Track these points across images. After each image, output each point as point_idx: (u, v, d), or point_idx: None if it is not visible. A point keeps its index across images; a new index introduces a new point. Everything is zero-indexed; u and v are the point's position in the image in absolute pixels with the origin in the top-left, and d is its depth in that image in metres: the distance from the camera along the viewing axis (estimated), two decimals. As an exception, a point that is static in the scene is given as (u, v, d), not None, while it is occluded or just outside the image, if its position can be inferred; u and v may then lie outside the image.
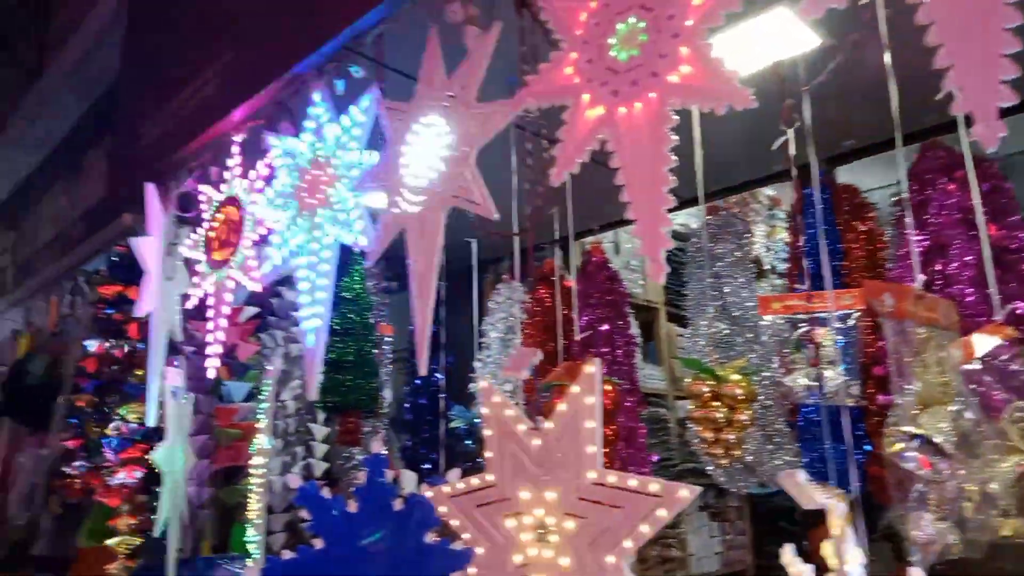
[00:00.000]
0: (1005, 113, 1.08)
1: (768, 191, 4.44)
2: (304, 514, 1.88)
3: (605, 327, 3.17)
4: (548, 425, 1.60)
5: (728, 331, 2.85)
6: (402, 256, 1.96)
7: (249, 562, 2.58)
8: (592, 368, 1.56)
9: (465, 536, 1.66)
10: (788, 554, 1.23)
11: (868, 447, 2.19)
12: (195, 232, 2.79)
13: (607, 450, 1.73)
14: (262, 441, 2.68)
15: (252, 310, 3.40)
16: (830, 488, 1.16)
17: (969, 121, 1.10)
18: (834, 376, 1.76)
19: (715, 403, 1.68)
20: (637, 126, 1.42)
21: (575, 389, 1.56)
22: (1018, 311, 1.94)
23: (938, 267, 2.15)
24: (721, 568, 4.27)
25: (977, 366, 1.25)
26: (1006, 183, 2.23)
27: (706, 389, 1.70)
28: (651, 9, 1.45)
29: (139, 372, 3.34)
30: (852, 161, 3.02)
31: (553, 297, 3.10)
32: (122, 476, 3.19)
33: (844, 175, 3.03)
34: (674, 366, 4.51)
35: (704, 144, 1.74)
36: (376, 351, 3.31)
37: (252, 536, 2.59)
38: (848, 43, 1.67)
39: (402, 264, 1.96)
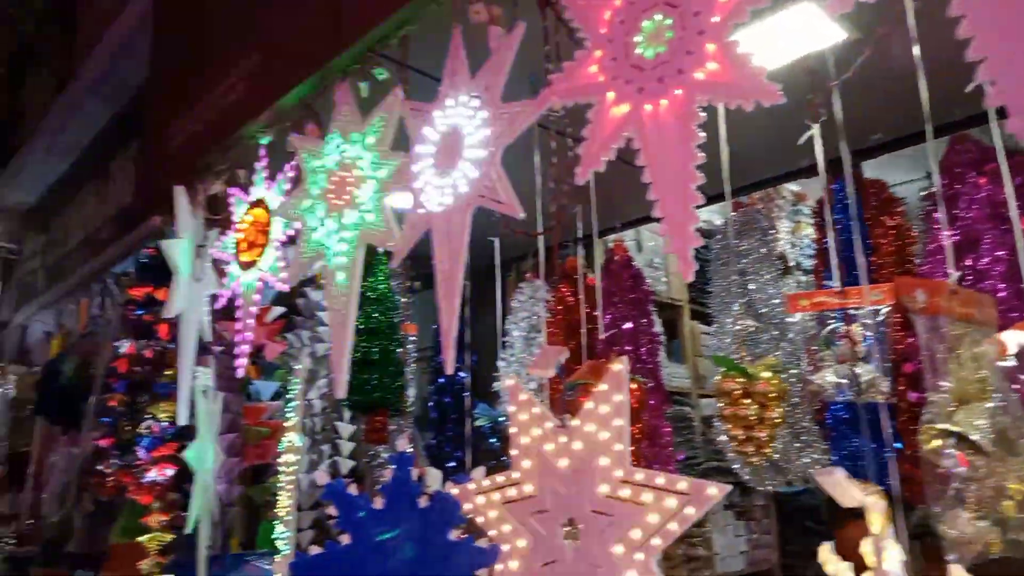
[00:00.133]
0: (1040, 106, 1.06)
1: (792, 187, 4.40)
2: (331, 511, 1.91)
3: (629, 325, 3.17)
4: (575, 423, 1.60)
5: (754, 328, 2.83)
6: (426, 256, 1.97)
7: (278, 558, 2.62)
8: (620, 366, 1.56)
9: (503, 529, 1.65)
10: (825, 551, 1.22)
11: (898, 445, 2.17)
12: (223, 234, 2.83)
13: (632, 448, 1.73)
14: (292, 439, 2.71)
15: (279, 310, 3.45)
16: (869, 485, 1.14)
17: (1002, 114, 1.09)
18: (864, 373, 1.74)
19: (746, 400, 1.67)
20: (664, 123, 1.41)
21: (602, 387, 1.57)
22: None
23: (968, 262, 2.12)
24: (746, 567, 4.25)
25: (1013, 362, 1.23)
26: (1038, 176, 2.19)
27: (736, 387, 1.69)
28: (677, 6, 1.45)
29: (169, 372, 3.39)
30: (879, 156, 2.98)
31: (576, 295, 3.10)
32: (153, 474, 3.25)
33: (869, 170, 2.99)
34: (698, 364, 4.49)
35: (728, 140, 1.74)
36: (400, 350, 3.34)
37: (282, 533, 2.62)
38: (875, 37, 1.65)
39: (426, 264, 1.98)
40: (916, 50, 1.46)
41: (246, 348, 2.63)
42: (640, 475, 1.49)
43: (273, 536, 2.69)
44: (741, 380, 1.69)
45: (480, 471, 1.77)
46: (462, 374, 3.62)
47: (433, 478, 1.90)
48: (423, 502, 1.79)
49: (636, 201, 1.44)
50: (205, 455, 2.83)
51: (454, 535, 1.73)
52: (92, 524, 4.37)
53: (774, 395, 1.65)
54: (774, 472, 2.69)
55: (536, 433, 1.66)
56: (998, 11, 1.10)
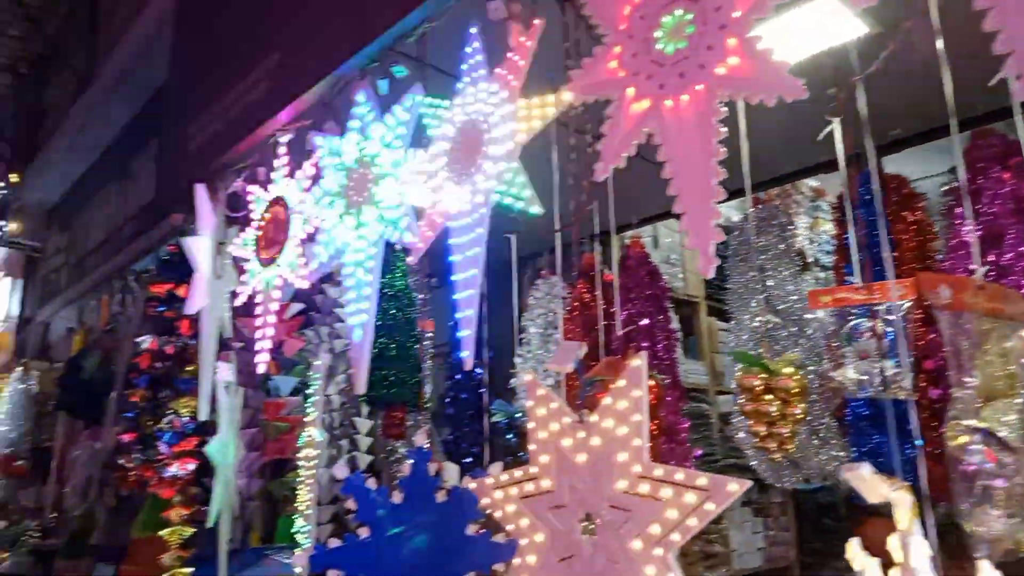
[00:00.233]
0: (1068, 99, 1.05)
1: (811, 182, 4.36)
2: (350, 505, 1.92)
3: (645, 322, 3.16)
4: (593, 419, 1.60)
5: (772, 325, 2.81)
6: (444, 252, 1.98)
7: (297, 551, 2.64)
8: (638, 362, 1.56)
9: (521, 524, 1.66)
10: (853, 547, 1.21)
11: (919, 441, 2.15)
12: (244, 231, 2.86)
13: (649, 445, 1.73)
14: (312, 434, 2.73)
15: (297, 306, 3.47)
16: (896, 480, 1.13)
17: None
18: (886, 369, 1.73)
19: (767, 396, 1.66)
20: (685, 119, 1.41)
21: (621, 383, 1.57)
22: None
23: (991, 257, 2.10)
24: (764, 564, 4.22)
25: (1040, 358, 1.21)
26: (1064, 170, 2.16)
27: (758, 383, 1.68)
28: (697, 1, 1.45)
29: (191, 368, 3.43)
30: (901, 150, 2.95)
31: (592, 292, 3.10)
32: (175, 468, 3.28)
33: (889, 165, 2.96)
34: (715, 360, 4.47)
35: (746, 135, 1.73)
36: (418, 346, 3.35)
37: (302, 527, 2.64)
38: (898, 31, 1.63)
39: (443, 260, 1.99)
40: (940, 44, 1.44)
41: (267, 344, 2.66)
42: (659, 471, 1.49)
43: (293, 530, 2.71)
44: (763, 376, 1.68)
45: (497, 466, 1.77)
46: (479, 370, 3.63)
47: (451, 473, 1.91)
48: (441, 497, 1.80)
49: (653, 198, 1.44)
50: (226, 450, 2.86)
51: (472, 530, 1.74)
52: (114, 518, 4.43)
53: (796, 391, 1.64)
54: (792, 469, 2.68)
55: (554, 428, 1.66)
56: (1025, 4, 1.09)
